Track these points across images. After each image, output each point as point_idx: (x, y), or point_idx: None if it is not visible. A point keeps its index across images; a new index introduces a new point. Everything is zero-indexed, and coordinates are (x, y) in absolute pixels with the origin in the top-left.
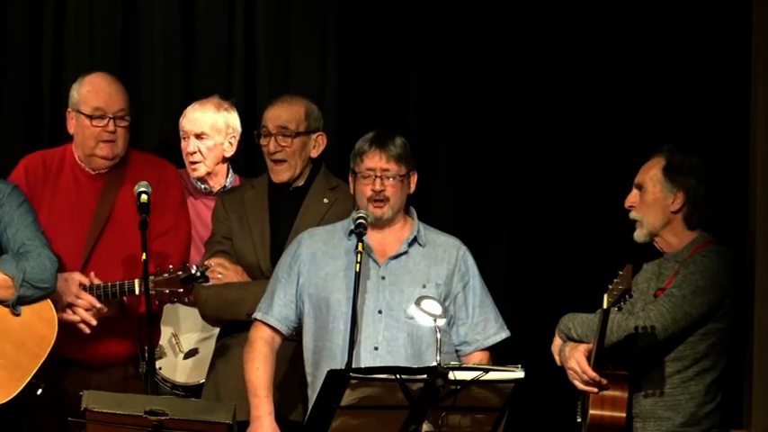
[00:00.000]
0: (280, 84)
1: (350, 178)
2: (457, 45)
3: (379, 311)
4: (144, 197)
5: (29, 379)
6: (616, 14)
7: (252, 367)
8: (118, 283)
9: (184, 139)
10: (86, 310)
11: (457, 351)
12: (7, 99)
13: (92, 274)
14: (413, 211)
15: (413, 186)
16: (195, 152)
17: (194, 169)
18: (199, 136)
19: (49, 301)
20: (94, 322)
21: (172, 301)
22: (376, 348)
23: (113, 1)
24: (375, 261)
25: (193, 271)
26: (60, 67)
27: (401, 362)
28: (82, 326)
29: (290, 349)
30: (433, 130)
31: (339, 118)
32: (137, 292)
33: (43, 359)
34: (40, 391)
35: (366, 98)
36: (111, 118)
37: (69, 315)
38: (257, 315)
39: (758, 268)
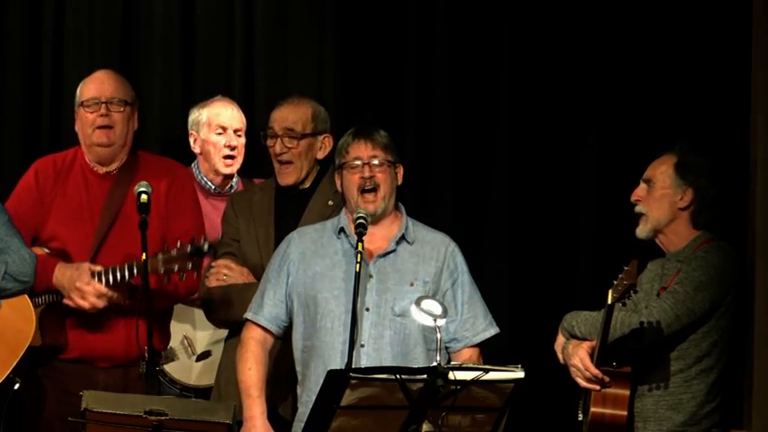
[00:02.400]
0: (278, 85)
1: (336, 176)
2: (457, 47)
3: (367, 309)
4: (144, 197)
5: (8, 372)
6: (616, 16)
7: (244, 368)
8: (126, 264)
9: (219, 133)
10: (96, 296)
11: (446, 348)
12: (7, 100)
13: (98, 266)
14: (401, 206)
15: (400, 178)
16: (236, 146)
17: (230, 164)
18: (237, 131)
19: (26, 297)
20: (101, 305)
21: (181, 277)
22: (362, 346)
23: (113, 2)
24: (364, 259)
25: (201, 243)
26: (60, 67)
27: (388, 359)
28: (85, 304)
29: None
30: (433, 132)
31: (338, 120)
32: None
33: (22, 353)
34: (17, 386)
35: (365, 100)
36: (103, 102)
37: (79, 301)
38: (248, 315)
39: (758, 269)
